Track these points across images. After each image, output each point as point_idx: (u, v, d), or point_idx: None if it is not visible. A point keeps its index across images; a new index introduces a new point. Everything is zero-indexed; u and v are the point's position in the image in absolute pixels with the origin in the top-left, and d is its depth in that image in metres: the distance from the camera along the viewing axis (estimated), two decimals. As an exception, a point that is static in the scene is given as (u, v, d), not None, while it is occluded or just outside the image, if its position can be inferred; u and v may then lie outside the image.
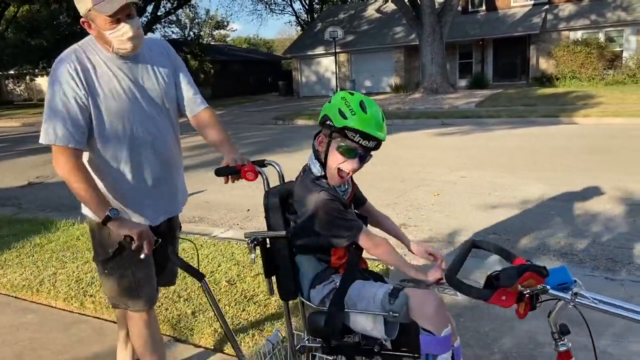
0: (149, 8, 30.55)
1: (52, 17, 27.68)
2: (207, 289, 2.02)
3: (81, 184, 1.93)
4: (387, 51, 27.01)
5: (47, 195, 7.51)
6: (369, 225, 2.09)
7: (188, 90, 2.20)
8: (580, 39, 22.37)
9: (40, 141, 1.94)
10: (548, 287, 1.35)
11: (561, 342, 1.44)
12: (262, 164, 2.10)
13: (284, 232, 1.89)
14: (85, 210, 2.12)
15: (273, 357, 2.16)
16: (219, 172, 2.00)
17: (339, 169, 1.85)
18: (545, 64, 23.57)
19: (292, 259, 1.93)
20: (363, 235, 1.85)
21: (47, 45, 26.71)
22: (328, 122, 1.82)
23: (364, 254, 1.95)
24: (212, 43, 52.82)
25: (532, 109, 14.90)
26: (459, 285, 1.41)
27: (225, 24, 66.10)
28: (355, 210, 2.10)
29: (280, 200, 1.92)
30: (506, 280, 1.38)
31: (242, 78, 36.67)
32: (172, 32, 49.82)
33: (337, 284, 1.85)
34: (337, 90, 27.32)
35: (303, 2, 42.13)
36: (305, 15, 41.86)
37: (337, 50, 27.00)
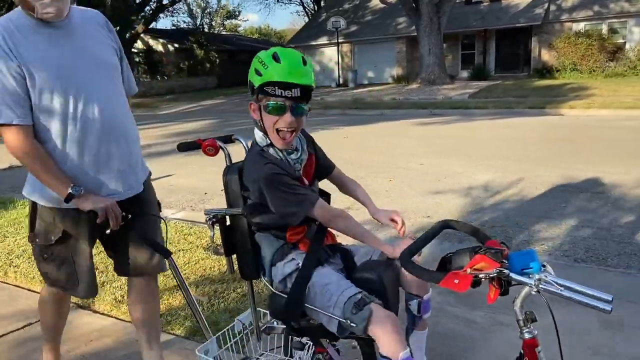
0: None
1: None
2: (174, 267, 1.97)
3: (36, 164, 1.86)
4: (389, 42, 27.01)
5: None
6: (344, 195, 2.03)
7: (127, 69, 2.15)
8: (582, 31, 22.17)
9: None
10: (506, 271, 1.29)
11: (526, 330, 1.37)
12: (229, 139, 2.03)
13: (240, 210, 1.82)
14: (27, 191, 2.05)
15: (244, 336, 2.07)
16: (180, 147, 2.03)
17: (276, 130, 1.73)
18: (547, 56, 23.40)
19: (252, 237, 1.86)
20: (318, 208, 1.73)
21: None
22: (252, 87, 1.74)
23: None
24: (223, 33, 53.21)
25: (522, 100, 14.92)
26: (411, 267, 1.36)
27: (237, 13, 66.24)
28: (322, 182, 2.02)
29: (240, 177, 1.84)
30: (457, 263, 1.33)
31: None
32: (183, 22, 50.28)
33: (300, 264, 1.76)
34: (339, 81, 27.46)
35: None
36: (313, 5, 41.83)
37: (340, 41, 27.09)
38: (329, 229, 1.86)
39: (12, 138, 1.83)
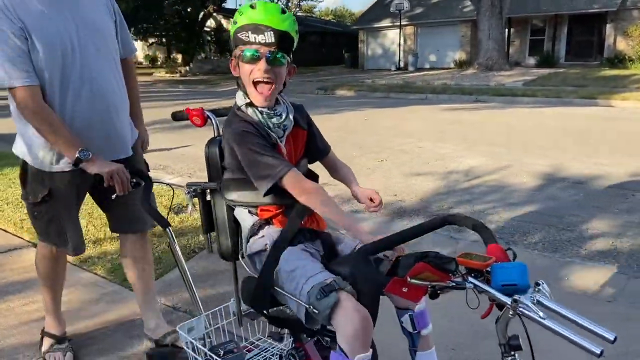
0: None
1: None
2: (171, 237, 1.87)
3: (44, 125, 1.88)
4: (453, 25, 26.33)
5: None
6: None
7: (123, 31, 2.20)
8: (664, 18, 20.52)
9: None
10: (472, 284, 1.15)
11: (509, 358, 1.16)
12: (223, 113, 1.93)
13: (214, 184, 1.74)
14: (18, 151, 2.08)
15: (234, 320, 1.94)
16: (174, 116, 2.06)
17: (253, 82, 1.60)
18: (622, 44, 21.86)
19: (231, 213, 1.74)
20: (289, 178, 1.56)
21: None
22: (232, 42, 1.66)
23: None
24: (298, 14, 53.83)
25: (577, 89, 14.18)
26: (362, 265, 1.24)
27: (313, -6, 66.48)
28: (315, 165, 1.90)
29: (220, 149, 1.74)
30: (402, 269, 1.22)
31: (318, 49, 37.26)
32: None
33: (268, 244, 1.63)
34: (399, 64, 27.18)
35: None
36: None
37: (403, 23, 26.76)
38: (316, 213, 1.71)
39: (22, 98, 1.84)
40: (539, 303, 1.06)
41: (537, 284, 1.09)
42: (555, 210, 4.51)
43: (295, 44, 1.64)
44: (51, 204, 2.07)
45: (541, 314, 1.03)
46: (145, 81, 24.45)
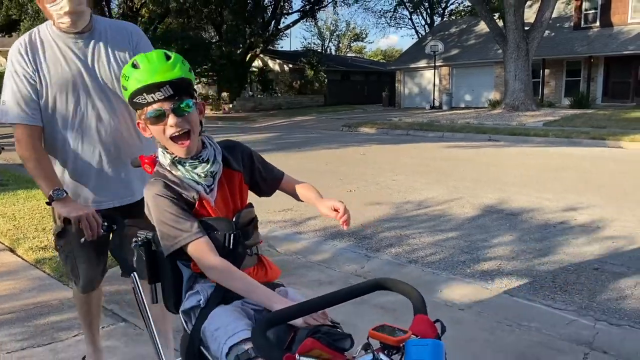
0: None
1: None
2: (136, 282, 1.84)
3: (31, 162, 1.96)
4: (488, 66, 26.74)
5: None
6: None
7: None
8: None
9: None
10: None
11: None
12: None
13: (151, 234, 1.70)
14: None
15: None
16: (131, 164, 1.91)
17: (170, 138, 1.55)
18: (659, 85, 21.51)
19: (174, 265, 1.67)
20: (192, 249, 1.54)
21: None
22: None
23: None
24: (348, 54, 55.65)
25: (595, 130, 14.21)
26: (257, 342, 1.09)
27: (364, 36, 68.40)
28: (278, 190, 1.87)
29: None
30: (295, 344, 1.16)
31: (359, 88, 38.44)
32: (314, 43, 53.69)
33: (202, 300, 1.57)
34: (433, 103, 27.71)
35: (422, 16, 42.81)
36: (427, 29, 42.28)
37: (438, 64, 27.43)
38: (265, 261, 1.73)
39: (19, 135, 1.97)
40: None
41: None
42: (471, 237, 4.99)
43: (193, 81, 1.61)
44: (65, 239, 2.15)
45: None
46: (189, 117, 26.16)
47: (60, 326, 3.08)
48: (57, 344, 2.86)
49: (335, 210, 1.75)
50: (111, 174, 2.10)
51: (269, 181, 1.82)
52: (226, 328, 1.44)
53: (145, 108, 1.54)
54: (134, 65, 1.53)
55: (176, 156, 1.59)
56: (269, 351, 1.05)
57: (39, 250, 4.46)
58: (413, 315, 1.16)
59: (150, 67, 1.50)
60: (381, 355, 1.07)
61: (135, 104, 1.55)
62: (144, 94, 1.50)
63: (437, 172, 8.62)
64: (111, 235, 2.07)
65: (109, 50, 2.07)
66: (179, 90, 1.53)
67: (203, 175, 1.60)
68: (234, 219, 1.65)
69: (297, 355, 1.03)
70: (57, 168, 2.08)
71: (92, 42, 2.04)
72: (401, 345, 1.05)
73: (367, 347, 1.08)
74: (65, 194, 1.94)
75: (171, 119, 1.52)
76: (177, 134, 1.54)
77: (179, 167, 1.60)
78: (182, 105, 1.53)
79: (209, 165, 1.61)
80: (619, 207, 5.93)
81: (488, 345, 2.96)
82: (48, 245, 4.56)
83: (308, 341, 1.06)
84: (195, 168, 1.60)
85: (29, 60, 1.97)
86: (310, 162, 10.22)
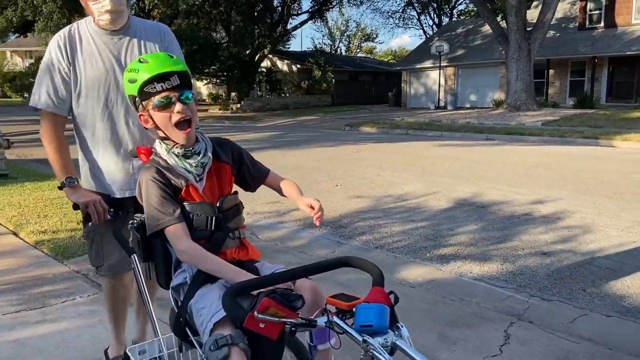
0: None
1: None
2: (135, 263, 1.94)
3: (49, 148, 2.10)
4: (493, 66, 26.91)
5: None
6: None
7: None
8: None
9: (29, 104, 2.14)
10: (317, 321, 1.21)
11: None
12: None
13: (143, 216, 1.82)
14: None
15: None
16: (130, 153, 2.09)
17: (175, 124, 1.73)
18: (662, 86, 21.56)
19: (165, 244, 1.81)
20: (169, 233, 1.70)
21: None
22: (134, 100, 1.76)
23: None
24: (358, 55, 55.99)
25: (590, 130, 14.45)
26: (227, 304, 1.24)
27: (375, 36, 68.55)
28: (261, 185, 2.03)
29: None
30: (254, 305, 1.23)
31: (367, 88, 38.73)
32: (323, 43, 54.18)
33: (188, 278, 1.75)
34: (438, 103, 27.97)
35: (431, 16, 43.05)
36: (435, 29, 42.49)
37: (443, 65, 27.68)
38: (247, 243, 1.89)
39: (43, 121, 2.12)
40: (394, 345, 1.10)
41: (398, 327, 1.13)
42: (439, 226, 5.36)
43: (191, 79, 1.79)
44: (89, 224, 2.22)
45: (387, 356, 1.07)
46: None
47: (52, 294, 3.52)
48: (46, 308, 3.30)
49: (312, 207, 1.88)
50: (129, 166, 2.20)
51: (255, 177, 2.00)
52: (210, 307, 1.57)
53: (153, 97, 1.71)
54: (140, 61, 1.73)
55: (172, 146, 1.78)
56: (236, 311, 1.22)
57: (39, 234, 4.91)
58: (372, 285, 1.30)
59: (158, 61, 1.71)
60: (334, 318, 1.21)
61: (144, 93, 1.71)
62: (154, 83, 1.69)
63: (422, 169, 8.98)
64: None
65: (142, 47, 2.19)
66: (183, 81, 1.74)
67: (194, 165, 1.78)
68: (217, 204, 1.81)
69: (255, 312, 1.17)
70: (83, 154, 2.21)
71: (127, 40, 2.16)
72: (353, 309, 1.21)
73: (324, 312, 1.24)
74: (76, 182, 2.12)
75: (178, 106, 1.71)
76: (182, 119, 1.73)
77: (173, 156, 1.78)
78: (187, 95, 1.75)
79: (200, 157, 1.79)
80: (583, 200, 6.27)
81: (426, 314, 3.33)
82: (48, 229, 5.03)
83: (265, 300, 1.19)
84: (188, 158, 1.78)
85: (66, 53, 2.08)
86: (304, 159, 10.62)
